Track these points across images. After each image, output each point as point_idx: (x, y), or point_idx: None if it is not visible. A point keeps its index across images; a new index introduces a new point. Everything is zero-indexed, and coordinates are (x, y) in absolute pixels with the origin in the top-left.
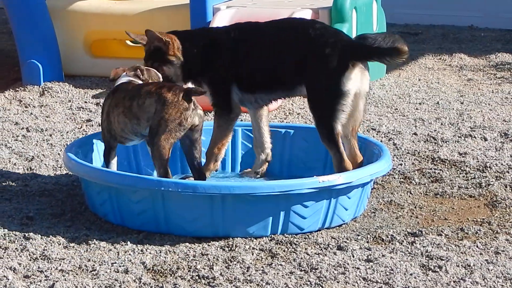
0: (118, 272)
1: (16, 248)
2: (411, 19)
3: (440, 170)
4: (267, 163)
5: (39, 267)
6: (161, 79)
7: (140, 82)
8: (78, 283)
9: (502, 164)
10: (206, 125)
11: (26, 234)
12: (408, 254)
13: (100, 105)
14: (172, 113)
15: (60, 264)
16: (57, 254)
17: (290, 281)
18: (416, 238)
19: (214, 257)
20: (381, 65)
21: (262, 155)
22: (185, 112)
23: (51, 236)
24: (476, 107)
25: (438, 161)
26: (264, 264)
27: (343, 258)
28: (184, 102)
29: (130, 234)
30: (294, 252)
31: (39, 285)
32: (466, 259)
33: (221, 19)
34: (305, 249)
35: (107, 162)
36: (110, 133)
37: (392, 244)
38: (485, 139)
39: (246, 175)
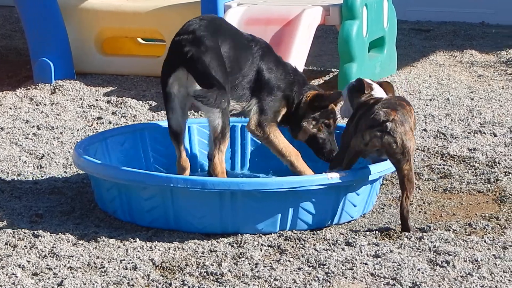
0: (126, 269)
1: (25, 246)
2: (423, 16)
3: (449, 166)
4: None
5: (47, 265)
6: None
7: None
8: (86, 280)
9: (511, 160)
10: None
11: (35, 232)
12: (416, 250)
13: (111, 103)
14: None
15: (69, 262)
16: (66, 251)
17: (298, 277)
18: (424, 234)
19: (222, 254)
20: (392, 61)
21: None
22: None
23: (60, 233)
24: (486, 103)
25: (448, 157)
26: (273, 260)
27: (351, 254)
28: None
29: (139, 231)
30: (302, 248)
31: (47, 282)
32: (474, 254)
33: (232, 17)
34: (314, 245)
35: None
36: None
37: (400, 239)
38: (495, 135)
39: None
